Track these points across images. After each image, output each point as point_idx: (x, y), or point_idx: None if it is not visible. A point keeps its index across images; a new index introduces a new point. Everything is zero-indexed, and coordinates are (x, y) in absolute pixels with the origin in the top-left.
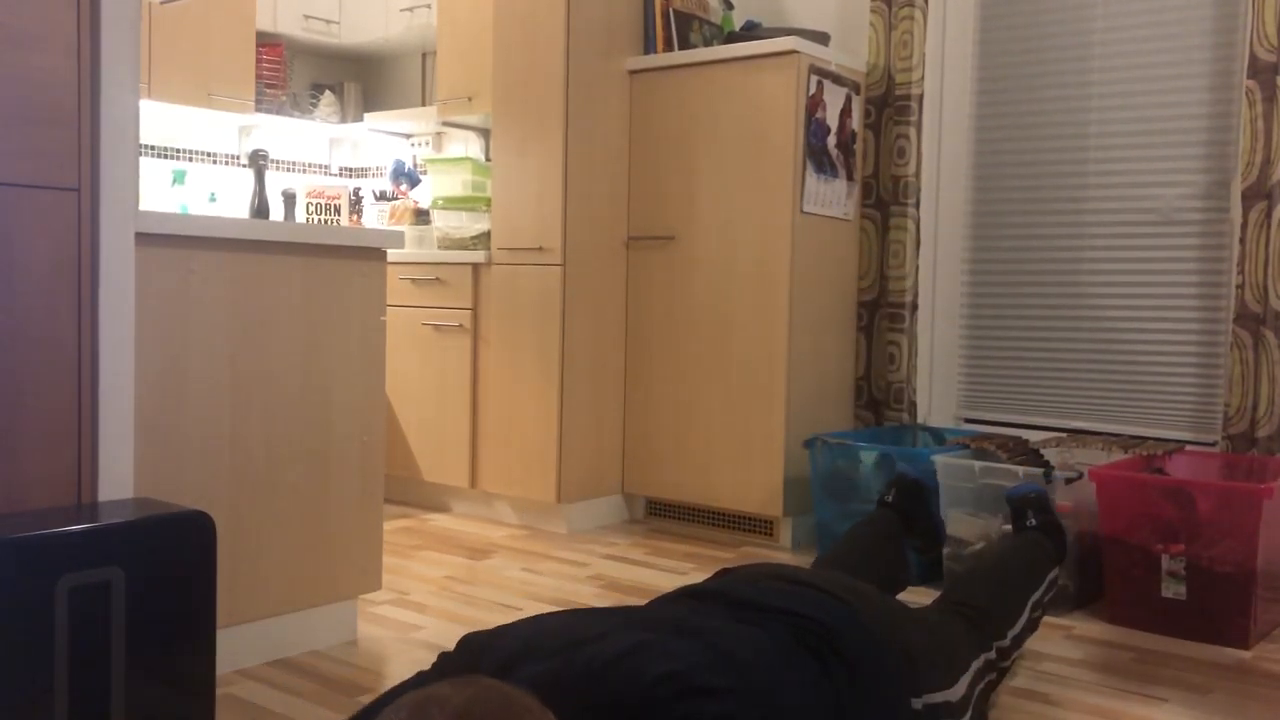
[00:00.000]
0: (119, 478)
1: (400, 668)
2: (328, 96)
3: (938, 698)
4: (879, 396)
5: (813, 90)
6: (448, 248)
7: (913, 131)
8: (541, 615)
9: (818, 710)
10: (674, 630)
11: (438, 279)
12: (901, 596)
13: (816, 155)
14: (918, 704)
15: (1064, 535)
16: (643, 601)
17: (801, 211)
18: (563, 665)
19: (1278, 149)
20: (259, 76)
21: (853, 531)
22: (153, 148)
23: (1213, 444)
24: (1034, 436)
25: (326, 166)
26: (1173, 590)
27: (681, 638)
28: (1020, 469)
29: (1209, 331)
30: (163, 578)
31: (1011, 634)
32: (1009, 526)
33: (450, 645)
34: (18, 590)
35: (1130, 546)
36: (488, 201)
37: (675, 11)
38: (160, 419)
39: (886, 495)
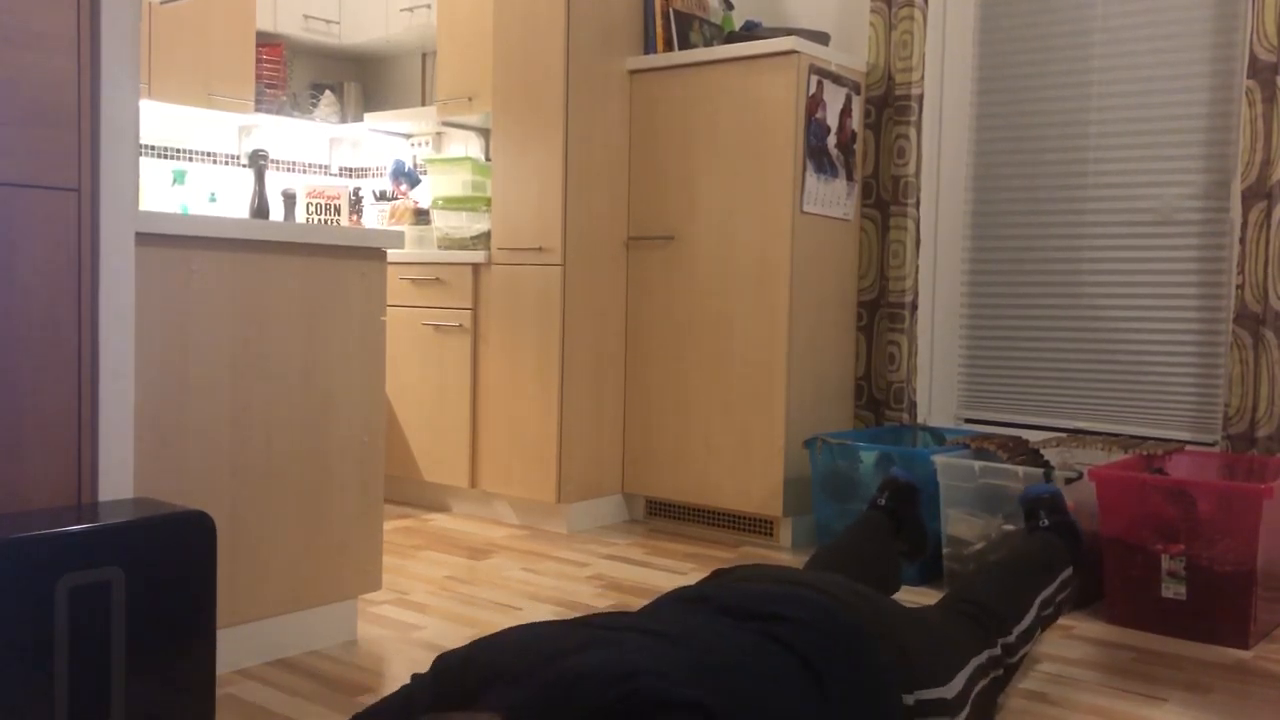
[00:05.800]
0: (119, 478)
1: (400, 668)
2: (328, 96)
3: (931, 694)
4: (879, 396)
5: (813, 90)
6: (448, 248)
7: (913, 131)
8: (510, 631)
9: (802, 716)
10: (651, 640)
11: (438, 279)
12: (900, 599)
13: (816, 155)
14: (909, 699)
15: (1078, 536)
16: (642, 602)
17: (801, 211)
18: (533, 686)
19: (1278, 149)
20: (259, 76)
21: (845, 534)
22: (153, 148)
23: (1213, 444)
24: (1034, 436)
25: (326, 166)
26: (1173, 590)
27: (658, 649)
28: (1020, 469)
29: (1209, 331)
30: (163, 578)
31: (1017, 630)
32: (1009, 526)
33: (450, 645)
34: (18, 590)
35: (1130, 546)
36: (488, 201)
37: (675, 11)
38: (160, 419)
39: (879, 499)
